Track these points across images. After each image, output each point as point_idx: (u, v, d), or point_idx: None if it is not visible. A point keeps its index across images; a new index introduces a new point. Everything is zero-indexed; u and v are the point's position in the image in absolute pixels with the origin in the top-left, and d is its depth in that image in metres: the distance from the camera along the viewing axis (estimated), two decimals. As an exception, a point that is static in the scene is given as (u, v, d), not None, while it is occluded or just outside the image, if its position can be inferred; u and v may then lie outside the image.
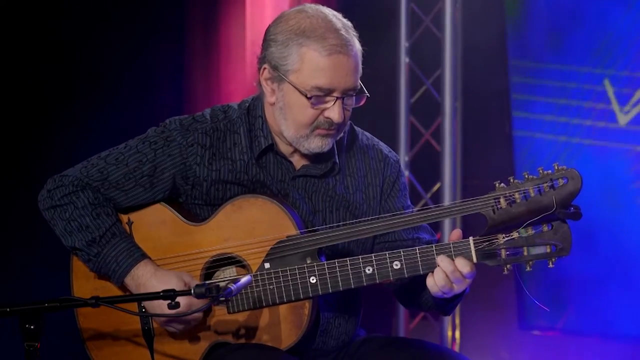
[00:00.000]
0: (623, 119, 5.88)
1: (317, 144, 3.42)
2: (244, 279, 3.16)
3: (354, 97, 3.41)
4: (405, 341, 3.68)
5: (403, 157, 6.32)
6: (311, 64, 3.34)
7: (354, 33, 3.41)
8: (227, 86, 6.08)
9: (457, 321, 6.29)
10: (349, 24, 3.42)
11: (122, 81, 5.71)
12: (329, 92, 3.35)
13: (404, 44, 6.37)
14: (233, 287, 3.10)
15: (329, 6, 3.45)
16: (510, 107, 6.13)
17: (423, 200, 6.38)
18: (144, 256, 3.46)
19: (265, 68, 3.43)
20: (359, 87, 3.41)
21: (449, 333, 6.28)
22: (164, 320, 3.43)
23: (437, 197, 6.35)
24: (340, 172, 3.54)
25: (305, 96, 3.35)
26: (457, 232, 3.34)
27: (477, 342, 6.34)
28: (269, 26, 3.45)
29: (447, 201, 6.26)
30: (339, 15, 3.43)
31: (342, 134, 3.48)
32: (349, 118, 3.48)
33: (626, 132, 5.87)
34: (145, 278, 3.42)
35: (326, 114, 3.38)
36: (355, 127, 3.64)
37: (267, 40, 3.42)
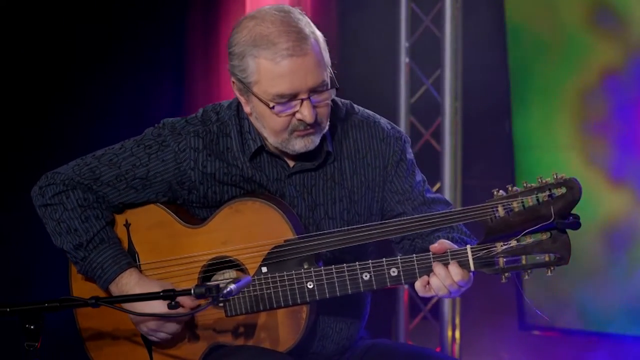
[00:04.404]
0: None
1: (300, 145, 3.36)
2: (244, 280, 3.17)
3: (324, 92, 3.32)
4: (410, 350, 3.59)
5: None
6: (267, 74, 3.27)
7: (311, 28, 3.30)
8: (227, 86, 6.08)
9: (457, 321, 6.29)
10: (304, 18, 3.31)
11: (122, 81, 5.71)
12: (292, 96, 3.29)
13: (404, 44, 6.36)
14: (233, 287, 3.10)
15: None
16: (511, 107, 6.13)
17: (423, 200, 6.38)
18: (129, 264, 3.46)
19: (233, 81, 3.39)
20: (327, 81, 3.32)
21: (449, 333, 6.27)
22: (153, 327, 3.43)
23: (437, 197, 6.35)
24: (336, 158, 3.48)
25: (268, 106, 3.31)
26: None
27: (477, 342, 6.34)
28: (229, 36, 3.37)
29: (447, 201, 6.27)
30: (292, 11, 3.32)
31: (326, 129, 3.40)
32: (329, 112, 3.38)
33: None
34: (129, 286, 3.43)
35: (298, 116, 3.31)
36: (356, 105, 3.56)
37: (228, 52, 3.36)
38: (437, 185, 6.34)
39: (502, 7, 6.12)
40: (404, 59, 6.37)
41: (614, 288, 5.81)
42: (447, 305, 6.26)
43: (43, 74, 5.52)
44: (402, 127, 6.35)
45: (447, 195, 6.25)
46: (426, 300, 6.43)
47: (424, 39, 6.41)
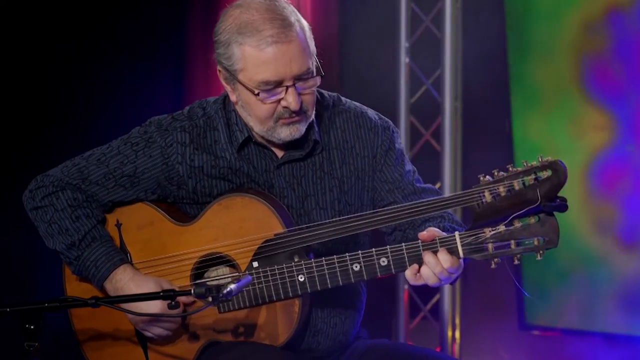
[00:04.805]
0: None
1: (285, 133, 3.37)
2: (244, 280, 3.17)
3: (309, 79, 3.34)
4: (410, 351, 3.56)
5: (403, 158, 6.33)
6: (252, 61, 3.28)
7: (296, 16, 3.33)
8: (227, 86, 6.07)
9: (457, 321, 6.29)
10: (289, 7, 3.34)
11: (122, 81, 5.72)
12: (277, 83, 3.30)
13: (404, 44, 6.36)
14: (233, 287, 3.10)
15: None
16: (510, 108, 6.13)
17: (423, 199, 6.38)
18: (122, 260, 3.47)
19: (219, 70, 3.41)
20: (312, 68, 3.34)
21: (449, 333, 6.28)
22: (147, 323, 3.43)
23: (437, 197, 6.34)
24: (324, 148, 3.49)
25: (253, 93, 3.32)
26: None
27: (477, 342, 6.34)
28: (216, 25, 3.39)
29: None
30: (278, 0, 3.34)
31: (312, 118, 3.41)
32: (314, 100, 3.39)
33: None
34: (123, 282, 3.43)
35: (283, 103, 3.32)
36: (343, 97, 3.57)
37: (214, 41, 3.38)
38: (437, 185, 6.33)
39: (502, 7, 6.12)
40: (404, 59, 6.37)
41: (613, 287, 5.81)
42: (447, 305, 6.26)
43: (43, 74, 5.52)
44: (402, 127, 6.36)
45: (447, 195, 6.24)
46: (426, 300, 6.43)
47: (424, 39, 6.41)
